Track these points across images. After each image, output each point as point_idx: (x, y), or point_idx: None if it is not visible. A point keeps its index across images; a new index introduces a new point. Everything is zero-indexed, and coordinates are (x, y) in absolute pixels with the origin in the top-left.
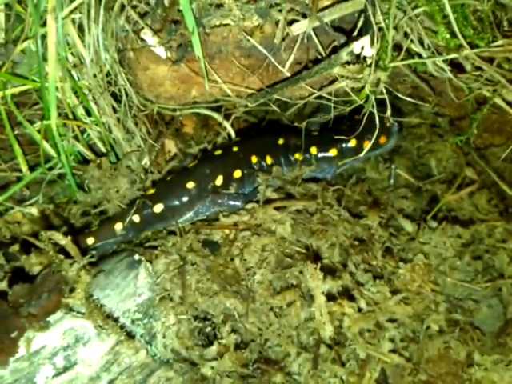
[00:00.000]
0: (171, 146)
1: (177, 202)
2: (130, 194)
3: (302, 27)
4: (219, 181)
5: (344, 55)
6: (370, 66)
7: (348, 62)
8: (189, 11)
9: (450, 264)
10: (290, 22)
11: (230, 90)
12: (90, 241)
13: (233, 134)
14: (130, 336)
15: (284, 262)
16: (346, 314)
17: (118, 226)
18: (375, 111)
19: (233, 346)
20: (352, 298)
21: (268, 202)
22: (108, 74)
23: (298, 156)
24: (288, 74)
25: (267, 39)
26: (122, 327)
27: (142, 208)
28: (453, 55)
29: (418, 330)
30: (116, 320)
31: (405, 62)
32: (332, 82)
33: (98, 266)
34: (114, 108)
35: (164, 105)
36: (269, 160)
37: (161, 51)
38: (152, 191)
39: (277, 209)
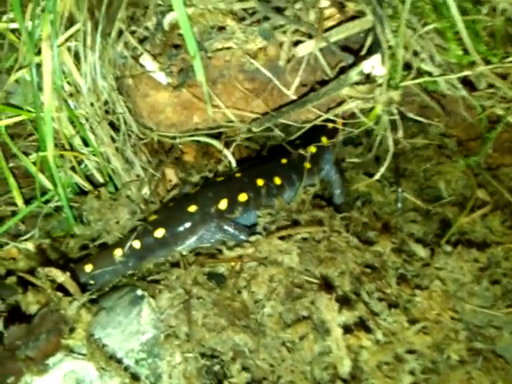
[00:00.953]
0: (172, 174)
1: (179, 227)
2: (130, 225)
3: (307, 48)
4: (223, 205)
5: (354, 75)
6: (380, 85)
7: (357, 83)
8: (190, 35)
9: (468, 290)
10: (295, 43)
11: (233, 115)
12: (88, 268)
13: (233, 163)
14: (135, 378)
15: (293, 293)
16: (364, 346)
17: (118, 253)
18: None
19: None
20: (368, 330)
21: (272, 232)
22: (106, 103)
23: (307, 165)
24: (294, 97)
25: (271, 62)
26: (125, 368)
27: (143, 234)
28: (467, 72)
29: (438, 361)
30: (119, 361)
31: (417, 81)
32: (340, 103)
33: (99, 303)
34: (112, 137)
35: (164, 132)
36: (278, 181)
37: (161, 77)
38: (154, 217)
39: (282, 238)
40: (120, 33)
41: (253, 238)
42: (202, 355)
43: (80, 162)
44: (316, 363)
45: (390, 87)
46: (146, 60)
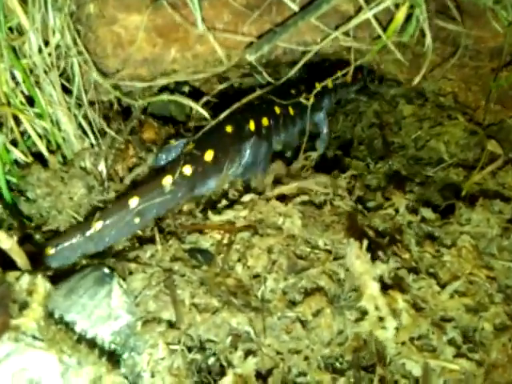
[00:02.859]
0: (131, 150)
1: (225, 147)
2: (87, 204)
3: None
4: (252, 125)
5: None
6: None
7: None
8: None
9: (498, 244)
10: None
11: (220, 45)
12: (134, 202)
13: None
14: (114, 364)
15: (297, 265)
16: (403, 309)
17: (168, 181)
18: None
19: (253, 375)
20: (402, 290)
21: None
22: (57, 47)
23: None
24: (297, 9)
25: None
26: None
27: (192, 158)
28: None
29: (479, 328)
30: (91, 345)
31: None
32: (349, 19)
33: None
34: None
35: (128, 83)
36: (291, 111)
37: None
38: (192, 145)
39: (280, 200)
40: None
41: (246, 198)
42: (192, 347)
43: (22, 133)
44: (336, 344)
45: None
46: None
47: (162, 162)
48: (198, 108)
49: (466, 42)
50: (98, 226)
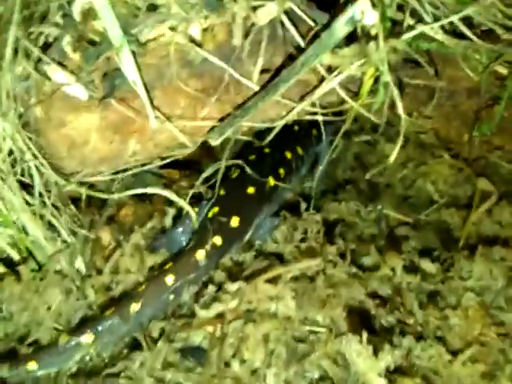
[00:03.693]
0: (107, 236)
1: (248, 211)
2: (67, 310)
3: (269, 12)
4: (271, 182)
5: (342, 25)
6: (372, 38)
7: (338, 46)
8: (110, 18)
9: (505, 296)
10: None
11: (181, 132)
12: (170, 279)
13: (193, 215)
14: None
15: (298, 351)
16: None
17: (201, 255)
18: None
19: None
20: (406, 373)
21: (255, 274)
22: (10, 153)
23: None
24: (257, 88)
25: (222, 47)
26: None
27: (220, 227)
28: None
29: None
30: None
31: (424, 28)
32: (314, 88)
33: None
34: (25, 199)
35: (93, 176)
36: (300, 151)
37: (79, 91)
38: (216, 209)
39: (269, 281)
40: (16, 50)
41: (234, 287)
42: None
43: None
44: None
45: (387, 38)
46: (56, 71)
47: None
48: (182, 204)
49: (440, 84)
50: (137, 307)
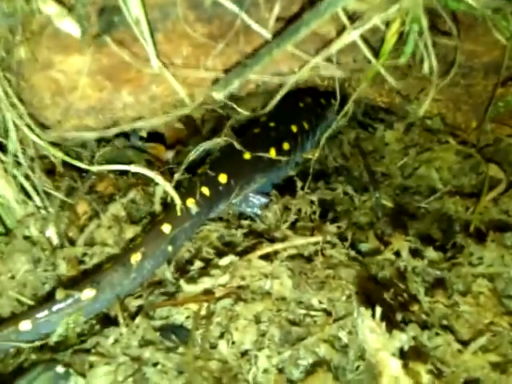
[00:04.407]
0: (84, 206)
1: (239, 172)
2: (33, 281)
3: None
4: (273, 153)
5: None
6: None
7: None
8: None
9: None
10: None
11: (180, 83)
12: (167, 228)
13: (178, 202)
14: None
15: (292, 333)
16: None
17: (191, 202)
18: None
19: None
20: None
21: (248, 250)
22: None
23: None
24: (270, 38)
25: None
26: None
27: (208, 180)
28: None
29: None
30: None
31: None
32: (330, 42)
33: None
34: None
35: (74, 134)
36: (306, 125)
37: (72, 26)
38: (206, 166)
39: (264, 258)
40: None
41: (225, 261)
42: None
43: None
44: None
45: None
46: (47, 3)
47: None
48: (168, 189)
49: (459, 58)
50: (137, 257)
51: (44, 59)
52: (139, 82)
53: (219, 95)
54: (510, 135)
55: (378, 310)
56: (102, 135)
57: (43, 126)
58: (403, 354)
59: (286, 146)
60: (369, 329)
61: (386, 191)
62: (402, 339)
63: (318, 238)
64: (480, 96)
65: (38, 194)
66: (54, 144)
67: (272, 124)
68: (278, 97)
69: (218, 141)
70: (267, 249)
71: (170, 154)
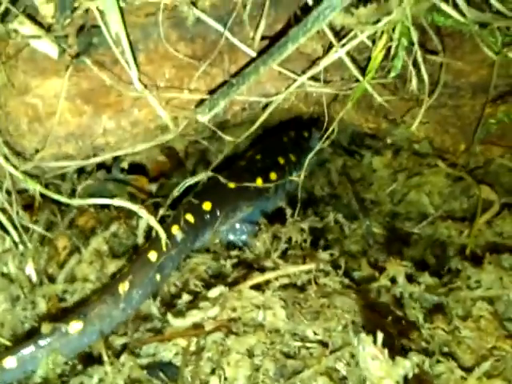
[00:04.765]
0: (64, 241)
1: (224, 201)
2: (11, 320)
3: None
4: (259, 182)
5: None
6: None
7: (351, 5)
8: None
9: None
10: None
11: (163, 107)
12: (153, 256)
13: (163, 236)
14: None
15: (287, 367)
16: None
17: (175, 229)
18: None
19: None
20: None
21: (238, 281)
22: None
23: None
24: (254, 55)
25: (218, 8)
26: None
27: (191, 207)
28: None
29: None
30: None
31: None
32: (315, 61)
33: None
34: None
35: (52, 164)
36: (293, 158)
37: (49, 47)
38: (190, 196)
39: (256, 288)
40: None
41: (214, 293)
42: None
43: None
44: None
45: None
46: (24, 24)
47: None
48: (152, 223)
49: (445, 77)
50: (125, 286)
51: (20, 84)
52: (120, 106)
53: (204, 118)
54: (502, 156)
55: (380, 336)
56: (81, 165)
57: (20, 156)
58: (407, 382)
59: (272, 175)
60: (371, 356)
61: (376, 218)
62: (406, 366)
63: (311, 266)
64: (468, 117)
65: (15, 228)
66: (32, 176)
67: (258, 157)
68: (263, 117)
69: (203, 176)
70: (258, 278)
71: (153, 187)
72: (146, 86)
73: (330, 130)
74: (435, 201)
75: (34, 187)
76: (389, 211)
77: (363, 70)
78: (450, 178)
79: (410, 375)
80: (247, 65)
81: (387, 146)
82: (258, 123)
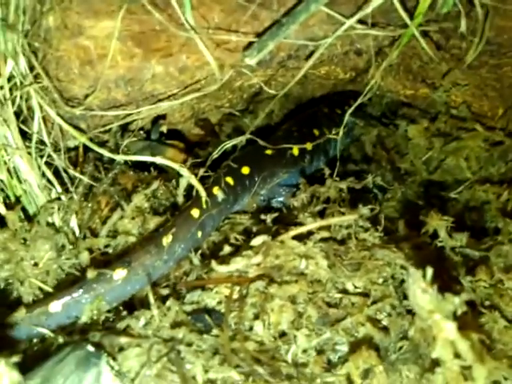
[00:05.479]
0: (106, 198)
1: (261, 166)
2: (57, 269)
3: None
4: (296, 151)
5: None
6: None
7: None
8: None
9: None
10: None
11: (212, 52)
12: (196, 213)
13: (203, 194)
14: None
15: (330, 316)
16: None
17: (217, 189)
18: None
19: None
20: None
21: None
22: (11, 78)
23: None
24: None
25: None
26: None
27: (231, 171)
28: None
29: None
30: None
31: None
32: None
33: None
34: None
35: (101, 112)
36: (326, 131)
37: None
38: (229, 161)
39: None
40: None
41: (257, 241)
42: None
43: None
44: None
45: None
46: None
47: None
48: (192, 181)
49: (487, 34)
50: (169, 239)
51: (73, 25)
52: (169, 51)
53: (252, 60)
54: None
55: (430, 270)
56: (128, 113)
57: (68, 105)
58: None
59: (308, 146)
60: (421, 289)
61: (411, 187)
62: (455, 302)
63: (353, 217)
64: (508, 78)
65: (60, 182)
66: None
67: (294, 128)
68: (311, 61)
69: (241, 139)
70: (301, 229)
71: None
72: (195, 30)
73: (375, 78)
74: (473, 166)
75: (80, 139)
76: (424, 180)
77: (411, 14)
78: (488, 142)
79: (459, 312)
80: (296, 4)
81: (423, 115)
82: (305, 68)
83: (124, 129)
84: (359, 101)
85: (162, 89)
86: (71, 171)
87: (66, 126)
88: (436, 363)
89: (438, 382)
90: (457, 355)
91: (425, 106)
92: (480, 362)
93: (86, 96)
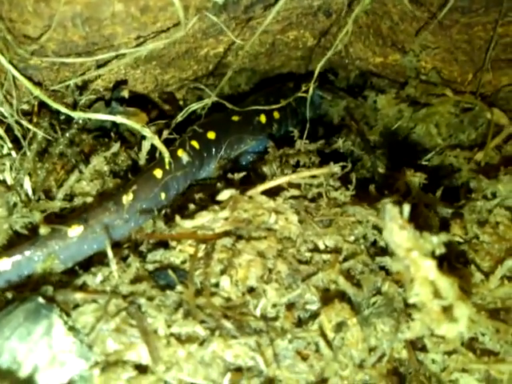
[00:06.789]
0: (63, 159)
1: (227, 132)
2: (7, 229)
3: None
4: (263, 118)
5: None
6: None
7: None
8: None
9: None
10: None
11: None
12: (159, 174)
13: (167, 155)
14: None
15: (301, 272)
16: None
17: (182, 152)
18: None
19: None
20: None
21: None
22: None
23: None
24: None
25: None
26: None
27: (196, 135)
28: None
29: None
30: None
31: None
32: None
33: None
34: None
35: (57, 59)
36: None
37: None
38: (195, 126)
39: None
40: None
41: (225, 195)
42: None
43: None
44: (371, 367)
45: None
46: None
47: None
48: (155, 142)
49: None
50: (129, 197)
51: None
52: None
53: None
54: (511, 84)
55: (406, 207)
56: (87, 60)
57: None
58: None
59: (276, 114)
60: (398, 226)
61: (381, 159)
62: (434, 241)
63: (326, 170)
64: (479, 39)
65: (12, 139)
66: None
67: (261, 99)
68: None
69: (206, 101)
70: (270, 183)
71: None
72: None
73: (345, 29)
74: (443, 133)
75: (34, 92)
76: (394, 149)
77: None
78: (458, 108)
79: (438, 253)
80: None
81: (392, 85)
82: (274, 11)
83: (83, 87)
84: (325, 58)
85: (122, 32)
86: (24, 123)
87: (18, 76)
88: (413, 310)
89: (416, 329)
90: (436, 295)
91: (394, 75)
92: (462, 300)
93: (41, 35)
